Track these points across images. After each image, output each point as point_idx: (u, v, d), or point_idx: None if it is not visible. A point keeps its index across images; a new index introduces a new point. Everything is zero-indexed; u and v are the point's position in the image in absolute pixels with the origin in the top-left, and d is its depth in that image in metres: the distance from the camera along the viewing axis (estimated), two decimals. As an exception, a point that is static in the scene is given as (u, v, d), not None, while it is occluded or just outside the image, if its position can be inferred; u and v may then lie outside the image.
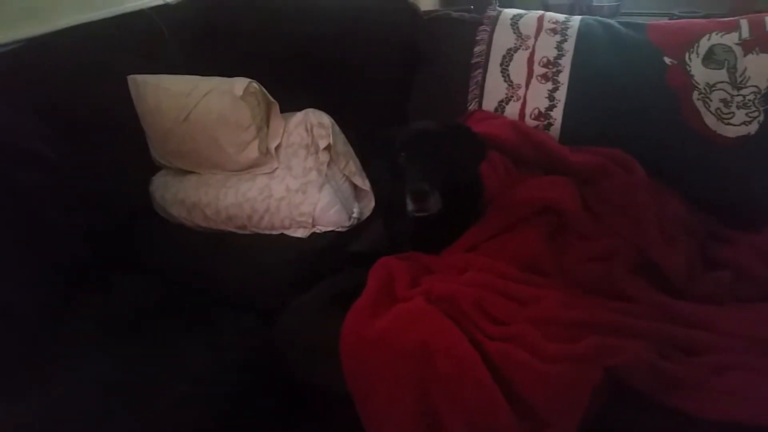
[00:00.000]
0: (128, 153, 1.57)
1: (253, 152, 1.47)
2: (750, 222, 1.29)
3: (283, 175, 1.45)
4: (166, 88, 1.54)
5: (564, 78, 1.44)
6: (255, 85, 1.46)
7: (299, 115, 1.49)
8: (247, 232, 1.47)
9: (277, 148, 1.48)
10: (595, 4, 3.93)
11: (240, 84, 1.45)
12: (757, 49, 1.33)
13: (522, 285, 1.16)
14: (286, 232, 1.44)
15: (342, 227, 1.44)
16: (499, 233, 1.26)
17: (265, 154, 1.48)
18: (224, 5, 1.79)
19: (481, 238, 1.26)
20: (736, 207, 1.33)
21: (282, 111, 1.54)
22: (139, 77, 1.57)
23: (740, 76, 1.33)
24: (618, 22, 1.50)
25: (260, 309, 1.32)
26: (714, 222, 1.32)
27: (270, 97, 1.49)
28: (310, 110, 1.49)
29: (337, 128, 1.49)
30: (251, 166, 1.49)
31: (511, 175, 1.35)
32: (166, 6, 1.84)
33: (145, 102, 1.56)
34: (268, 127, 1.51)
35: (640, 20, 1.55)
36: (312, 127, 1.46)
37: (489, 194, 1.30)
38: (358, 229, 1.45)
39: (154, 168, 1.62)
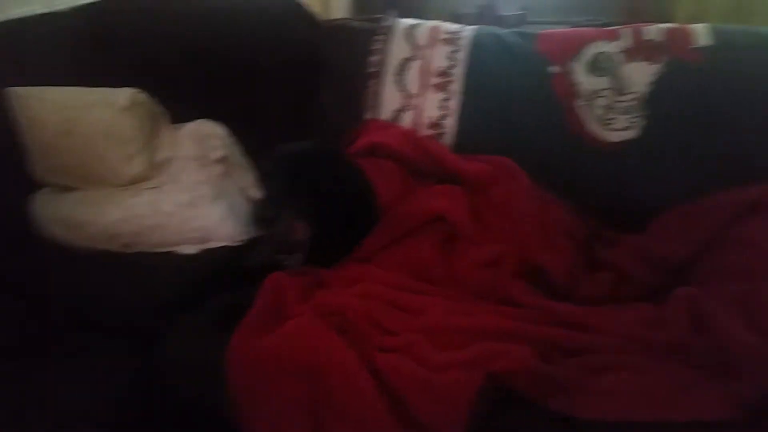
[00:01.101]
0: (5, 170, 1.47)
1: (139, 166, 1.41)
2: (633, 224, 1.34)
3: (173, 189, 1.40)
4: (48, 100, 1.46)
5: (456, 88, 1.46)
6: (142, 95, 1.41)
7: (190, 126, 1.44)
8: (134, 251, 1.40)
9: (166, 160, 1.42)
10: (501, 13, 4.05)
11: (125, 94, 1.39)
12: (637, 57, 1.39)
13: (413, 294, 1.17)
14: (175, 249, 1.38)
15: (236, 241, 1.39)
16: (392, 243, 1.26)
17: (153, 167, 1.42)
18: (113, 12, 1.71)
19: (375, 249, 1.25)
20: (620, 209, 1.38)
21: (174, 122, 1.49)
22: (21, 89, 1.48)
23: (622, 83, 1.38)
24: (510, 32, 1.54)
25: (146, 332, 1.26)
26: (598, 225, 1.37)
27: (158, 107, 1.44)
28: (201, 121, 1.44)
29: (231, 139, 1.45)
30: (138, 181, 1.42)
31: (405, 185, 1.35)
32: (51, 14, 1.75)
33: (26, 115, 1.47)
34: (156, 139, 1.45)
35: (544, 29, 1.60)
36: (203, 139, 1.41)
37: (383, 204, 1.30)
38: (255, 242, 1.41)
39: (35, 186, 1.52)
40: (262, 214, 1.12)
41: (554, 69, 1.42)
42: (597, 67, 1.40)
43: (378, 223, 1.27)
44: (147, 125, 1.42)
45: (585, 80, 1.40)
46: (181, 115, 1.49)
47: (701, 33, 1.39)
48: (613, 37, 1.43)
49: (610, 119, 1.38)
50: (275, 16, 1.69)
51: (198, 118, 1.46)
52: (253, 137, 1.49)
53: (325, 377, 1.02)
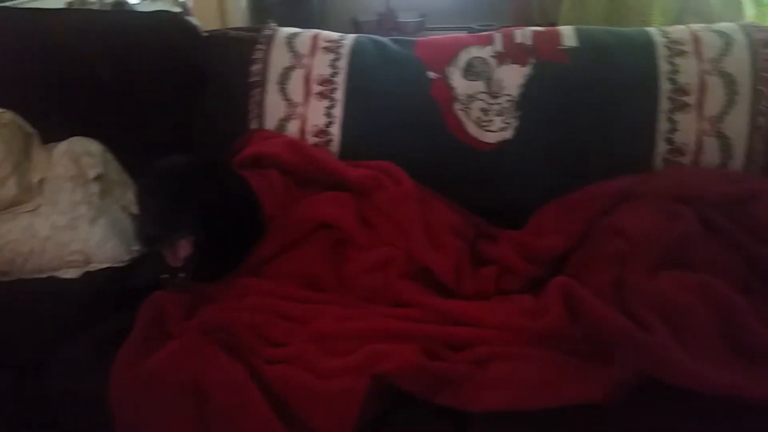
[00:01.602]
0: None
1: (11, 189, 1.34)
2: (515, 220, 1.40)
3: (49, 212, 1.34)
4: None
5: (339, 95, 1.47)
6: (8, 114, 1.34)
7: (63, 145, 1.38)
8: (13, 279, 1.33)
9: (39, 182, 1.36)
10: (401, 20, 4.12)
11: (-10, 115, 1.31)
12: (508, 60, 1.45)
13: (302, 303, 1.17)
14: (56, 274, 1.32)
15: (121, 262, 1.35)
16: (280, 253, 1.26)
17: (27, 190, 1.35)
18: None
19: (262, 260, 1.25)
20: (502, 206, 1.44)
21: (48, 141, 1.42)
22: None
23: (496, 86, 1.44)
24: (390, 39, 1.57)
25: (28, 363, 1.20)
26: (483, 223, 1.42)
27: (28, 126, 1.37)
28: (75, 138, 1.39)
29: (108, 156, 1.40)
30: (11, 205, 1.36)
31: (291, 194, 1.34)
32: None
33: None
34: (28, 160, 1.38)
35: (441, 35, 1.64)
36: (78, 157, 1.36)
37: (268, 214, 1.29)
38: (138, 262, 1.37)
39: None
40: (145, 233, 1.09)
41: (432, 74, 1.46)
42: (472, 71, 1.45)
43: (264, 235, 1.26)
44: (17, 146, 1.35)
45: (461, 84, 1.44)
46: (58, 134, 1.42)
47: (567, 35, 1.46)
48: (486, 42, 1.48)
49: (486, 121, 1.43)
50: (154, 29, 1.65)
51: (74, 135, 1.40)
52: (136, 152, 1.44)
53: (212, 395, 1.01)
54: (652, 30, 1.46)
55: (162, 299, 1.15)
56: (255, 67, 1.51)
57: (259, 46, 1.53)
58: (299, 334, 1.10)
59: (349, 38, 1.55)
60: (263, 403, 0.98)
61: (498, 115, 1.43)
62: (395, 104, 1.46)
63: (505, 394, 1.00)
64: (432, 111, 1.44)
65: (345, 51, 1.51)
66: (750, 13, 2.60)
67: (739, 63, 1.36)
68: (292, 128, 1.48)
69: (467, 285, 1.27)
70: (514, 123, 1.43)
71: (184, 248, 1.12)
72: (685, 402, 0.96)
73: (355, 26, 4.04)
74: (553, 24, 2.92)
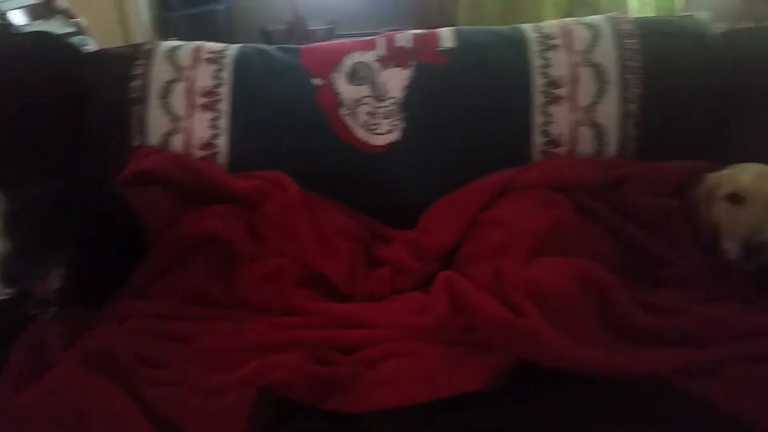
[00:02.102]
0: None
1: None
2: (410, 219, 1.42)
3: None
4: None
5: (225, 106, 1.46)
6: None
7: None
8: None
9: None
10: (310, 28, 4.11)
11: None
12: (391, 63, 1.47)
13: (187, 321, 1.15)
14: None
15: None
16: (165, 271, 1.23)
17: None
18: None
19: (146, 280, 1.22)
20: (395, 207, 1.46)
21: None
22: None
23: (380, 89, 1.46)
24: (275, 47, 1.57)
25: None
26: (378, 224, 1.43)
27: None
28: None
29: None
30: None
31: (177, 210, 1.32)
32: None
33: None
34: None
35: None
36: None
37: (152, 232, 1.26)
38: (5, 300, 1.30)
39: None
40: (8, 271, 1.04)
41: (317, 81, 1.47)
42: (356, 76, 1.47)
43: (147, 253, 1.23)
44: None
45: (346, 90, 1.46)
46: None
47: (445, 36, 1.50)
48: (369, 46, 1.51)
49: (374, 125, 1.45)
50: (32, 49, 1.59)
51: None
52: (13, 179, 1.38)
53: (94, 424, 0.97)
54: (526, 26, 1.51)
55: (41, 329, 1.10)
56: (135, 83, 1.48)
57: (138, 62, 1.50)
58: (184, 354, 1.08)
59: (233, 48, 1.54)
60: (148, 428, 0.95)
61: (384, 117, 1.45)
62: (282, 113, 1.46)
63: (392, 392, 1.01)
64: (319, 117, 1.45)
65: (228, 62, 1.50)
66: (633, 6, 2.74)
67: (606, 54, 1.43)
68: (177, 142, 1.45)
69: (362, 287, 1.29)
70: (401, 125, 1.45)
71: (54, 281, 1.08)
72: (566, 384, 1.00)
73: (265, 36, 4.02)
74: (452, 25, 3.00)
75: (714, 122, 1.41)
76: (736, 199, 1.15)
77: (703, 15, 3.19)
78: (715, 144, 1.40)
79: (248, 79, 1.48)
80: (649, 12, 2.77)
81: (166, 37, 1.71)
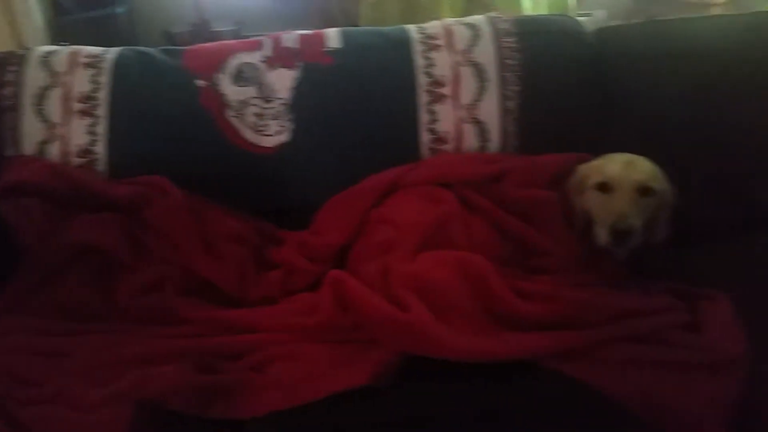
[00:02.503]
0: None
1: None
2: (301, 220, 1.42)
3: None
4: None
5: (103, 111, 1.41)
6: None
7: None
8: None
9: None
10: (215, 30, 4.03)
11: None
12: (277, 64, 1.47)
13: (66, 336, 1.11)
14: None
15: None
16: (39, 286, 1.18)
17: None
18: None
19: (19, 296, 1.16)
20: (289, 209, 1.46)
21: None
22: None
23: (268, 90, 1.45)
24: (157, 49, 1.52)
25: None
26: (270, 227, 1.42)
27: None
28: None
29: None
30: None
31: (52, 221, 1.26)
32: None
33: None
34: None
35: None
36: None
37: (25, 246, 1.20)
38: None
39: None
40: None
41: (200, 83, 1.44)
42: (242, 77, 1.45)
43: (19, 268, 1.17)
44: None
45: (232, 91, 1.44)
46: None
47: (331, 37, 1.51)
48: (254, 47, 1.49)
49: (262, 126, 1.44)
50: None
51: None
52: None
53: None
54: (410, 27, 1.54)
55: None
56: (6, 90, 1.40)
57: (10, 68, 1.42)
58: (62, 370, 1.05)
59: (112, 52, 1.49)
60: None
61: (273, 119, 1.45)
62: (164, 116, 1.42)
63: (278, 395, 1.01)
64: (203, 120, 1.42)
65: (107, 65, 1.45)
66: (527, 5, 2.84)
67: (486, 53, 1.47)
68: (54, 151, 1.39)
69: (253, 291, 1.28)
70: (290, 126, 1.45)
71: None
72: (451, 374, 1.03)
73: (169, 39, 3.90)
74: (355, 25, 3.01)
75: (589, 116, 1.49)
76: (604, 188, 1.22)
77: (598, 13, 3.35)
78: (592, 137, 1.46)
79: (128, 83, 1.44)
80: (543, 11, 2.87)
81: (61, 41, 1.63)
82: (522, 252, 1.28)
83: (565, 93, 1.48)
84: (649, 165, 1.23)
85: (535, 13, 2.74)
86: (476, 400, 1.02)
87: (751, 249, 1.35)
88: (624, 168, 1.22)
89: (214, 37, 4.00)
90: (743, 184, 1.45)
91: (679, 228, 1.46)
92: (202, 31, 4.16)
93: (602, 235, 1.19)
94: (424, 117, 1.45)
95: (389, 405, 1.02)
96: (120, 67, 1.45)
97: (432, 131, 1.46)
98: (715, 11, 2.66)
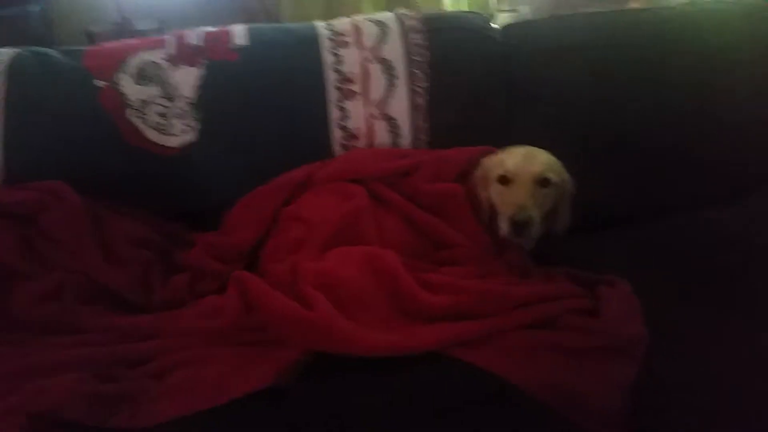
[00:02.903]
0: None
1: None
2: (214, 221, 1.39)
3: None
4: None
5: (-3, 116, 1.34)
6: None
7: None
8: None
9: None
10: (138, 29, 3.92)
11: None
12: (181, 62, 1.43)
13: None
14: None
15: None
16: None
17: None
18: None
19: None
20: (199, 210, 1.43)
21: None
22: None
23: (172, 89, 1.41)
24: (56, 50, 1.46)
25: None
26: (180, 229, 1.39)
27: None
28: None
29: None
30: None
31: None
32: None
33: None
34: None
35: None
36: None
37: None
38: None
39: None
40: None
41: (100, 83, 1.39)
42: (144, 76, 1.41)
43: None
44: None
45: (133, 90, 1.40)
46: None
47: (238, 34, 1.48)
48: (157, 45, 1.45)
49: (166, 126, 1.40)
50: None
51: None
52: None
53: None
54: (318, 24, 1.54)
55: None
56: None
57: None
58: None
59: (6, 54, 1.42)
60: None
61: (178, 118, 1.41)
62: (62, 118, 1.37)
63: (182, 402, 0.98)
64: (103, 121, 1.37)
65: (2, 68, 1.38)
66: (447, 2, 2.87)
67: (394, 49, 1.48)
68: (-55, 157, 1.31)
69: (158, 296, 1.24)
70: (196, 125, 1.42)
71: None
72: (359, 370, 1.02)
73: (89, 38, 3.77)
74: (278, 21, 2.98)
75: (497, 110, 1.52)
76: (504, 181, 1.24)
77: (523, 9, 3.41)
78: (500, 129, 1.50)
79: (24, 85, 1.37)
80: (463, 7, 2.92)
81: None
82: (432, 244, 1.29)
83: (473, 88, 1.50)
84: (547, 156, 1.26)
85: (453, 10, 2.78)
86: (381, 393, 1.02)
87: (652, 235, 1.41)
88: (522, 161, 1.25)
89: (137, 36, 3.89)
90: (644, 172, 1.52)
91: (584, 215, 1.52)
92: (124, 31, 4.04)
93: (504, 227, 1.21)
94: (334, 114, 1.45)
95: (294, 405, 1.01)
96: (16, 68, 1.39)
97: (343, 128, 1.46)
98: (634, 5, 2.76)
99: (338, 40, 1.48)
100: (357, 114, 1.45)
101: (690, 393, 0.98)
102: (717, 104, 1.50)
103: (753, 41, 1.53)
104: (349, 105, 1.45)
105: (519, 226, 1.18)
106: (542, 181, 1.22)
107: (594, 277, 1.20)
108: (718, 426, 0.94)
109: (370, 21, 1.53)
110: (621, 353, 1.03)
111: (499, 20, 2.88)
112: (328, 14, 2.92)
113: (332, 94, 1.45)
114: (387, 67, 1.47)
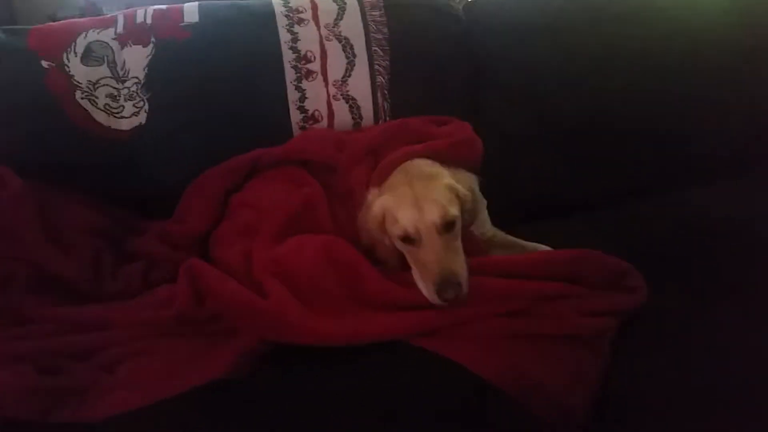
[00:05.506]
0: None
1: None
2: (167, 207, 1.34)
3: None
4: None
5: (-65, 98, 1.28)
6: None
7: None
8: None
9: None
10: (105, 14, 3.82)
11: None
12: (130, 42, 1.37)
13: None
14: None
15: None
16: None
17: None
18: None
19: None
20: (150, 195, 1.38)
21: None
22: None
23: (121, 69, 1.36)
24: (2, 29, 1.39)
25: None
26: (131, 216, 1.34)
27: None
28: None
29: None
30: None
31: None
32: None
33: None
34: None
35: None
36: None
37: None
38: None
39: None
40: None
41: (46, 64, 1.33)
42: (92, 57, 1.35)
43: None
44: None
45: (80, 71, 1.34)
46: None
47: (189, 11, 1.42)
48: (106, 24, 1.39)
49: (116, 108, 1.35)
50: None
51: None
52: None
53: None
54: (274, 0, 1.47)
55: None
56: None
57: None
58: None
59: (-55, 34, 1.35)
60: None
61: (128, 99, 1.35)
62: (5, 101, 1.31)
63: (131, 394, 0.95)
64: (50, 104, 1.32)
65: (-60, 49, 1.32)
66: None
67: (353, 27, 1.43)
68: None
69: (110, 285, 1.20)
70: (146, 106, 1.36)
71: None
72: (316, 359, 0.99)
73: (53, 21, 3.66)
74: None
75: (459, 87, 1.48)
76: (408, 240, 1.07)
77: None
78: (462, 107, 1.46)
79: (-35, 68, 1.31)
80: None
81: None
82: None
83: (435, 66, 1.46)
84: (438, 190, 1.09)
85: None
86: (336, 381, 0.99)
87: (623, 217, 1.39)
88: (416, 214, 1.06)
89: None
90: (613, 152, 1.50)
91: (552, 197, 1.49)
92: (91, 15, 3.94)
93: (430, 295, 1.02)
94: (292, 95, 1.40)
95: (247, 395, 0.98)
96: (-44, 50, 1.32)
97: (302, 109, 1.41)
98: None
99: (294, 17, 1.42)
100: (316, 95, 1.40)
101: (658, 386, 0.95)
102: (690, 85, 1.47)
103: (726, 20, 1.50)
104: (307, 85, 1.40)
105: (452, 288, 1.01)
106: (447, 226, 1.06)
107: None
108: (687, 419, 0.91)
109: (327, -3, 1.47)
110: (588, 344, 1.00)
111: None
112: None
113: (289, 74, 1.39)
114: (346, 45, 1.42)
